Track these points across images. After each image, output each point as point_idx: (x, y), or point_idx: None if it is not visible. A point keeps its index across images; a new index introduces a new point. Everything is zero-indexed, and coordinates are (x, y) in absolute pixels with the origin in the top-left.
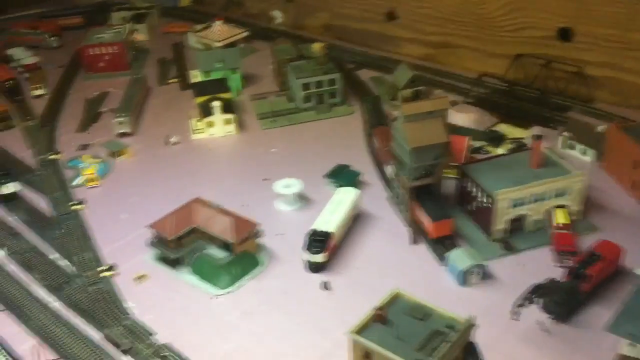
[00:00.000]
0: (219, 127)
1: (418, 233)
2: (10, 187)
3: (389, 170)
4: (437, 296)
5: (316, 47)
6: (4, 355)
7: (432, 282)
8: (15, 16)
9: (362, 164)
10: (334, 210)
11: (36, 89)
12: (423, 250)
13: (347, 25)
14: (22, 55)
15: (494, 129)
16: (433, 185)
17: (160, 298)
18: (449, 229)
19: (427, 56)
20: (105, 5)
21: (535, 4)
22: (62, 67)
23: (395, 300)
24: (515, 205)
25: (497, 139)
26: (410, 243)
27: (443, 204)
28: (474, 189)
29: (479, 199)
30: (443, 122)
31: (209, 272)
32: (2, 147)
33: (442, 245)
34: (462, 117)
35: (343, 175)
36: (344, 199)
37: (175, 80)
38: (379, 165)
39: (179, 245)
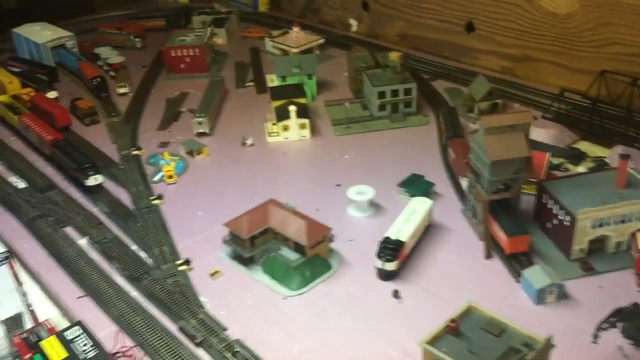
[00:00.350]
0: (293, 131)
1: (492, 248)
2: (96, 179)
3: (464, 182)
4: (510, 313)
5: (393, 55)
6: (86, 338)
7: (505, 298)
8: (103, 17)
9: (436, 174)
10: (407, 219)
11: (121, 87)
12: (497, 266)
13: (424, 35)
14: (109, 55)
15: (574, 146)
16: (510, 200)
17: (232, 295)
18: (526, 246)
19: (505, 69)
20: (187, 9)
21: (625, 20)
22: (145, 67)
23: (468, 313)
24: (597, 226)
25: (577, 157)
26: (484, 257)
27: (520, 220)
28: (554, 207)
29: (559, 217)
30: (525, 137)
31: (281, 273)
32: (88, 141)
33: (517, 261)
34: (540, 132)
35: (417, 185)
36: (417, 208)
37: (252, 83)
38: (454, 177)
39: (252, 245)
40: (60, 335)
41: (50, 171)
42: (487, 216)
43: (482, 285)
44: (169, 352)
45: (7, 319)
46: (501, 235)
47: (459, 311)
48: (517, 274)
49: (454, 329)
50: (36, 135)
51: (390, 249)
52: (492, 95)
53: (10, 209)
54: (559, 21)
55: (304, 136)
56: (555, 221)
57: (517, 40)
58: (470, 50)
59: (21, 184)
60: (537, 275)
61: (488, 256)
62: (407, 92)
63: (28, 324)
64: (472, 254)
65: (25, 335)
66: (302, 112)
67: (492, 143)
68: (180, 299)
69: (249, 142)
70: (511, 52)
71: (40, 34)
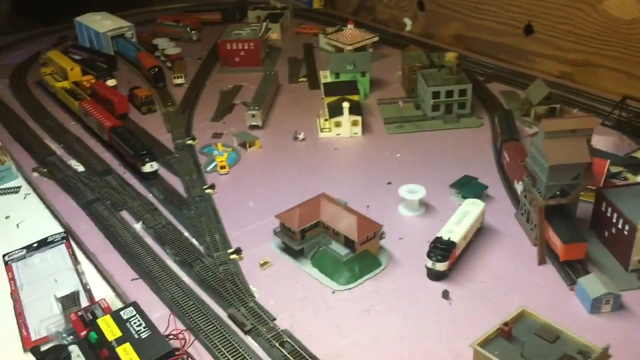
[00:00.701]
0: (345, 128)
1: (546, 253)
2: (152, 166)
3: (519, 186)
4: (563, 320)
5: (450, 56)
6: (140, 319)
7: (558, 305)
8: (161, 9)
9: (489, 177)
10: (459, 220)
11: (177, 77)
12: (550, 272)
13: (480, 36)
14: (166, 46)
15: (634, 154)
16: (567, 206)
17: (281, 286)
18: (582, 253)
19: (563, 74)
20: (242, 4)
21: None
22: (200, 59)
23: (522, 318)
24: None
25: (637, 166)
26: (537, 263)
27: (576, 227)
28: (613, 215)
29: (618, 226)
30: (587, 142)
31: (330, 267)
32: (144, 129)
33: (571, 268)
34: (599, 139)
35: (469, 187)
36: (470, 210)
37: (305, 79)
38: (508, 180)
39: (302, 237)
40: (115, 315)
41: (107, 156)
42: (542, 221)
43: (534, 290)
44: (219, 337)
45: (63, 297)
46: (556, 242)
47: (512, 315)
48: (571, 282)
49: (506, 333)
50: (95, 121)
51: (441, 249)
52: (550, 100)
53: (69, 191)
54: (623, 27)
55: (356, 133)
56: (613, 230)
57: (577, 44)
58: (528, 53)
59: (80, 168)
60: (592, 284)
61: (541, 262)
62: (462, 93)
63: (84, 302)
64: (525, 259)
65: (81, 312)
66: (355, 109)
67: (552, 147)
68: (231, 287)
69: (300, 136)
70: (571, 56)
71: (101, 24)
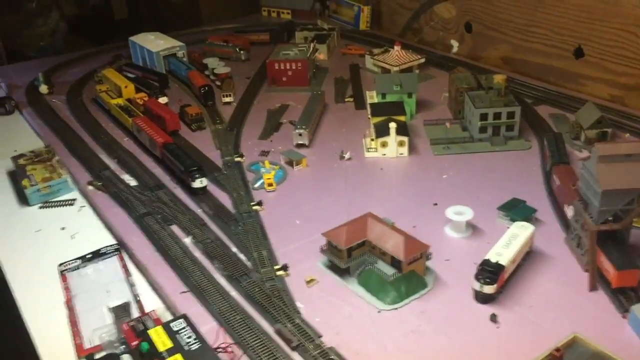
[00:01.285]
0: (392, 148)
1: (597, 279)
2: (202, 182)
3: (569, 210)
4: (615, 348)
5: (498, 78)
6: (190, 331)
7: (610, 332)
8: (211, 29)
9: (538, 201)
10: (508, 243)
11: (226, 96)
12: (601, 298)
13: (528, 59)
14: (216, 65)
15: None
16: (620, 231)
17: (327, 303)
18: (635, 281)
19: (615, 98)
20: (290, 25)
21: None
22: (248, 78)
23: (573, 344)
24: None
25: None
26: (588, 289)
27: (629, 253)
28: None
29: None
30: None
31: (376, 286)
32: (194, 146)
33: (624, 296)
34: None
35: (517, 210)
36: (519, 233)
37: (351, 99)
38: (557, 204)
39: (349, 256)
40: (166, 326)
41: (158, 171)
42: (594, 247)
43: (584, 317)
44: (266, 353)
45: (115, 307)
46: (608, 268)
47: (563, 340)
48: (624, 309)
49: (558, 359)
50: (148, 137)
51: (489, 271)
52: (601, 124)
53: (122, 204)
54: None
55: (402, 153)
56: None
57: (629, 68)
58: (578, 76)
59: (133, 182)
60: None
61: (592, 288)
62: (510, 115)
63: (135, 313)
64: (575, 284)
65: (132, 323)
66: (402, 130)
67: (606, 172)
68: (278, 303)
69: (346, 156)
70: (622, 80)
71: (154, 43)
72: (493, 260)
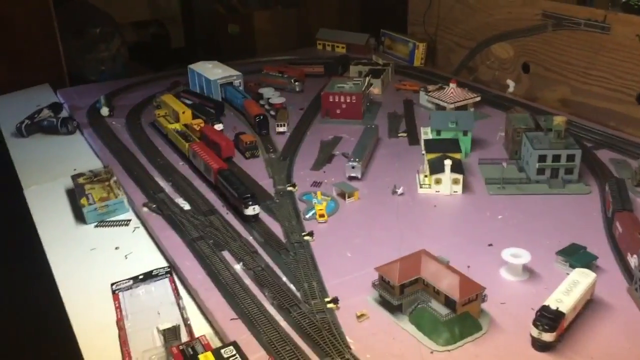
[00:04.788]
0: (446, 185)
1: None
2: (254, 209)
3: (634, 260)
4: None
5: (558, 120)
6: (239, 359)
7: None
8: (266, 60)
9: (598, 247)
10: (568, 290)
11: (280, 125)
12: None
13: (588, 102)
14: (271, 95)
15: None
16: None
17: (377, 340)
18: None
19: None
20: (345, 58)
21: None
22: (302, 109)
23: None
24: None
25: None
26: None
27: None
28: None
29: None
30: None
31: (428, 326)
32: (248, 173)
33: None
34: None
35: (577, 256)
36: (580, 280)
37: (404, 134)
38: (620, 252)
39: (402, 293)
40: (216, 353)
41: (211, 197)
42: None
43: None
44: None
45: (165, 330)
46: None
47: None
48: None
49: None
50: (203, 163)
51: (549, 318)
52: None
53: (175, 227)
54: None
55: (456, 191)
56: None
57: None
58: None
59: (186, 206)
60: None
61: None
62: (570, 158)
63: (184, 337)
64: (638, 336)
65: (182, 347)
66: (457, 167)
67: None
68: (328, 336)
69: (399, 190)
70: None
71: (212, 71)
72: (553, 306)
